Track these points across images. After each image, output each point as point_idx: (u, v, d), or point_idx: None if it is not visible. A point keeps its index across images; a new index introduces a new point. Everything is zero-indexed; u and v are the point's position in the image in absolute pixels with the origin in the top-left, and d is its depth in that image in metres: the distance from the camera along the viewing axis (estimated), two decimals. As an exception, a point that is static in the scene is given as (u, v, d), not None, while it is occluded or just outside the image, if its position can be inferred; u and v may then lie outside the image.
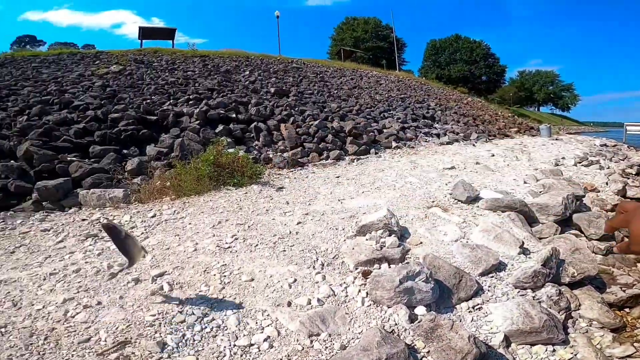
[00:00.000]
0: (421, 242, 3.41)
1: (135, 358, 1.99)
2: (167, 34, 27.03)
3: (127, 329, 2.22)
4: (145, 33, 26.03)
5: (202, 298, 2.53)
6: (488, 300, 2.66)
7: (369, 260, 2.92)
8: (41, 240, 3.75)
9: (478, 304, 2.60)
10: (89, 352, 2.03)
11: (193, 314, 2.36)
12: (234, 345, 2.12)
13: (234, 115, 7.78)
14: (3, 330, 2.27)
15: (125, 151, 5.87)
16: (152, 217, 4.16)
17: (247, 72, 14.61)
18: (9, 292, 2.73)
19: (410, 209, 4.29)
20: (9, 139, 5.53)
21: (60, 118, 6.33)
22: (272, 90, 11.31)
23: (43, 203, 4.54)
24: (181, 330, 2.22)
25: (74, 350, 2.06)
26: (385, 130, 9.51)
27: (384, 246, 3.07)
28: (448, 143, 10.19)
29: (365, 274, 2.76)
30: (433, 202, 4.55)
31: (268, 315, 2.39)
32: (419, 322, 2.27)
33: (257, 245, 3.34)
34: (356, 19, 46.72)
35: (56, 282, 2.86)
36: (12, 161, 5.10)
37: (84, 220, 4.16)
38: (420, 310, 2.41)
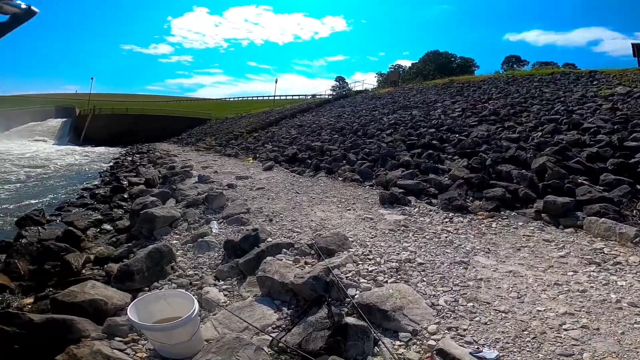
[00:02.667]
0: None
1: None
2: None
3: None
4: (641, 49, 20.87)
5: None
6: None
7: None
8: (543, 248, 4.11)
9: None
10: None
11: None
12: None
13: None
14: (503, 314, 2.73)
15: (639, 186, 5.11)
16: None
17: None
18: (515, 284, 3.22)
19: None
20: (525, 150, 6.52)
21: (572, 139, 6.56)
22: None
23: (542, 214, 4.97)
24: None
25: (549, 358, 2.21)
26: None
27: None
28: None
29: None
30: None
31: None
32: None
33: None
34: None
35: (559, 293, 3.06)
36: (524, 170, 5.98)
37: (585, 244, 4.13)
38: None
